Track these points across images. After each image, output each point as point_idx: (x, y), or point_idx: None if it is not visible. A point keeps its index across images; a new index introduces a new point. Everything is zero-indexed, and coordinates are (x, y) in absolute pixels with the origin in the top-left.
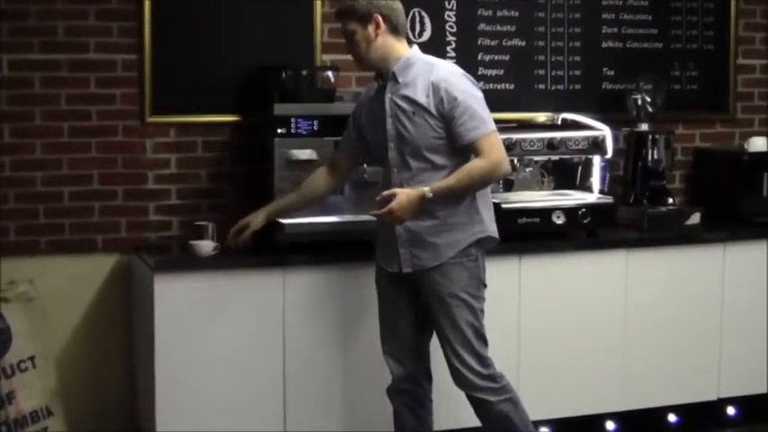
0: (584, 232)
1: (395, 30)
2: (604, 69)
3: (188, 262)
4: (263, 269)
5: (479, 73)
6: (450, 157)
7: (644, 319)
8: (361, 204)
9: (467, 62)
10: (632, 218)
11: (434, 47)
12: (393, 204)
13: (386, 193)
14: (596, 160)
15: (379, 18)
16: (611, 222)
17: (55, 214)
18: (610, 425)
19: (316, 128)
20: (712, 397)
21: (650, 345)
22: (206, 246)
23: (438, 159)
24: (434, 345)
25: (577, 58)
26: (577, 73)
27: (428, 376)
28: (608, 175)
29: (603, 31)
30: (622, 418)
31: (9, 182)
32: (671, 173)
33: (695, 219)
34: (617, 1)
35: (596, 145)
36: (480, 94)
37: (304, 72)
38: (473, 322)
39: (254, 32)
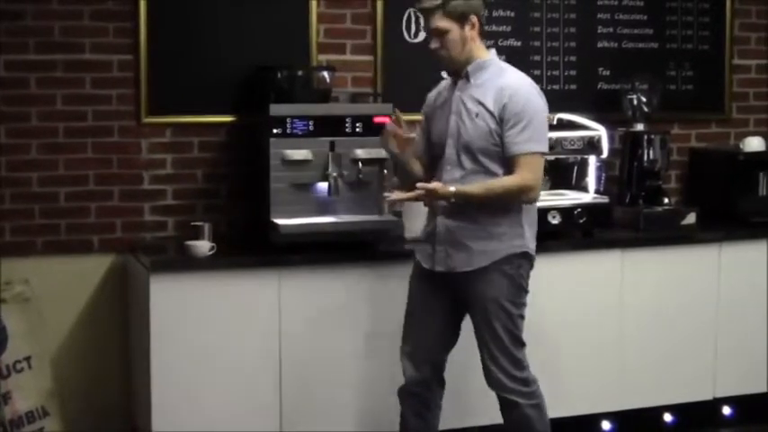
0: (580, 232)
1: (482, 32)
2: (600, 69)
3: (184, 262)
4: (259, 270)
5: None
6: (504, 165)
7: (639, 318)
8: (357, 205)
9: None
10: (628, 218)
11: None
12: (431, 186)
13: (430, 186)
14: (592, 160)
15: (475, 18)
16: (606, 222)
17: (51, 215)
18: (606, 424)
19: (311, 128)
20: (708, 396)
21: (646, 344)
22: (202, 246)
23: (490, 165)
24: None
25: (573, 59)
26: (573, 73)
27: (441, 382)
28: (603, 174)
29: (599, 31)
30: (618, 417)
31: (5, 182)
32: (666, 173)
33: (691, 219)
34: (612, 1)
35: (592, 145)
36: (545, 112)
37: (300, 72)
38: (510, 327)
39: (249, 33)
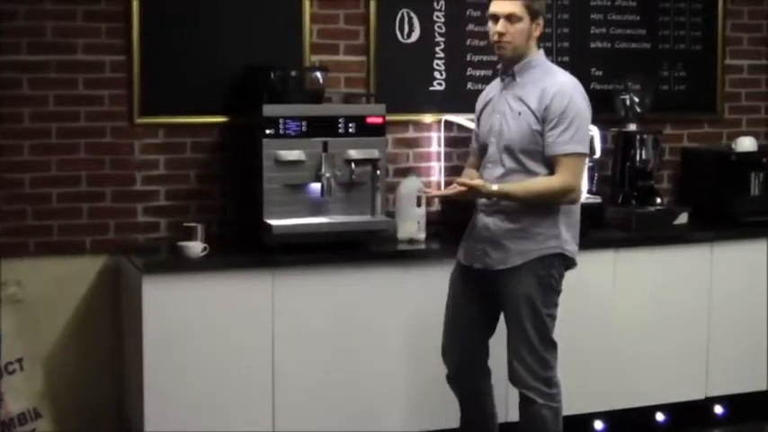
0: None
1: (540, 35)
2: (593, 70)
3: (177, 263)
4: (252, 270)
5: (468, 74)
6: (544, 165)
7: (632, 318)
8: (350, 205)
9: (455, 63)
10: (620, 218)
11: (423, 47)
12: (473, 183)
13: (473, 183)
14: None
15: (541, 21)
16: (599, 222)
17: (43, 216)
18: (598, 424)
19: (304, 129)
20: (700, 396)
21: (638, 344)
22: (195, 247)
23: (530, 164)
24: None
25: (566, 59)
26: None
27: (483, 371)
28: (596, 175)
29: (592, 31)
30: (611, 417)
31: None
32: (659, 173)
33: (683, 218)
34: (605, 1)
35: None
36: (588, 114)
37: (293, 73)
38: (539, 327)
39: (242, 33)
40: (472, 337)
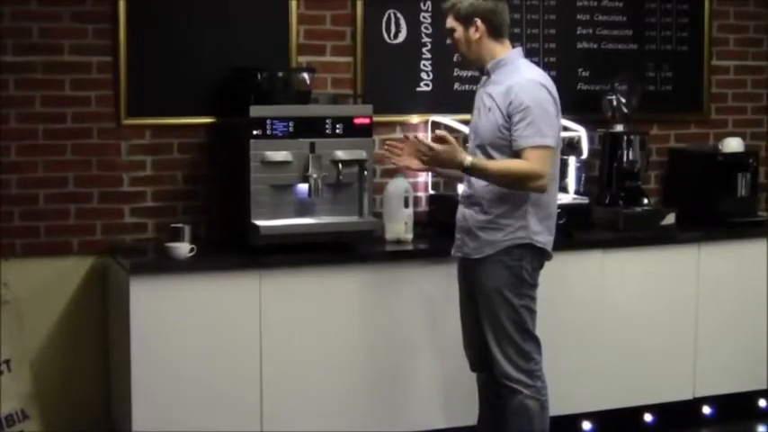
0: (560, 233)
1: (494, 32)
2: (579, 70)
3: (164, 264)
4: (240, 271)
5: (454, 74)
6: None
7: (620, 318)
8: (337, 206)
9: (442, 63)
10: (608, 218)
11: (410, 48)
12: (437, 147)
13: (440, 148)
14: (572, 161)
15: (479, 22)
16: (586, 223)
17: (30, 217)
18: (586, 425)
19: (291, 129)
20: (688, 396)
21: (626, 344)
22: (182, 248)
23: (499, 158)
24: None
25: (552, 59)
26: (552, 74)
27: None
28: (583, 175)
29: (578, 32)
30: (599, 417)
31: None
32: (646, 173)
33: (670, 219)
34: (592, 2)
35: (572, 146)
36: (552, 108)
37: (280, 74)
38: (515, 318)
39: (229, 34)
40: (477, 329)
